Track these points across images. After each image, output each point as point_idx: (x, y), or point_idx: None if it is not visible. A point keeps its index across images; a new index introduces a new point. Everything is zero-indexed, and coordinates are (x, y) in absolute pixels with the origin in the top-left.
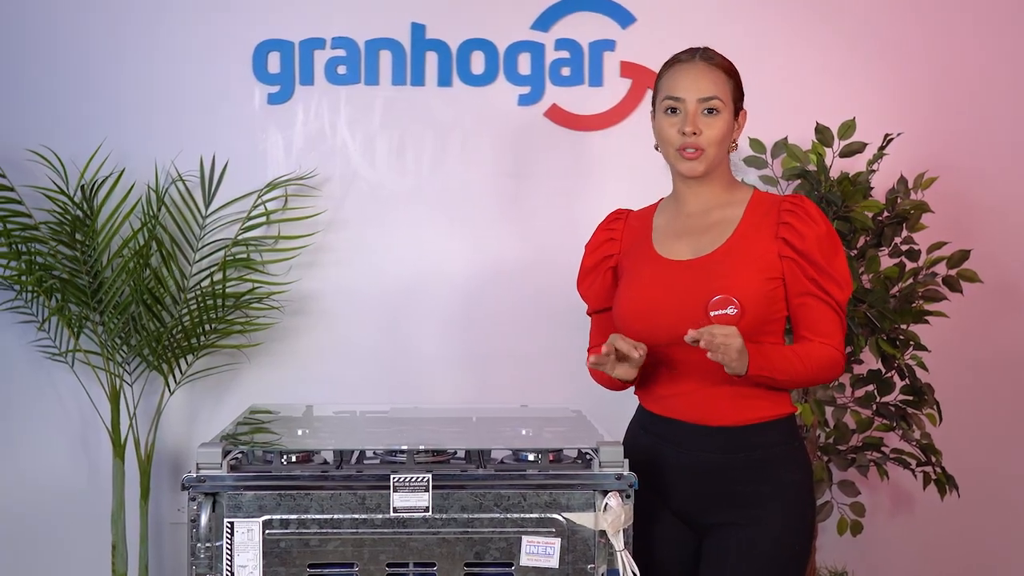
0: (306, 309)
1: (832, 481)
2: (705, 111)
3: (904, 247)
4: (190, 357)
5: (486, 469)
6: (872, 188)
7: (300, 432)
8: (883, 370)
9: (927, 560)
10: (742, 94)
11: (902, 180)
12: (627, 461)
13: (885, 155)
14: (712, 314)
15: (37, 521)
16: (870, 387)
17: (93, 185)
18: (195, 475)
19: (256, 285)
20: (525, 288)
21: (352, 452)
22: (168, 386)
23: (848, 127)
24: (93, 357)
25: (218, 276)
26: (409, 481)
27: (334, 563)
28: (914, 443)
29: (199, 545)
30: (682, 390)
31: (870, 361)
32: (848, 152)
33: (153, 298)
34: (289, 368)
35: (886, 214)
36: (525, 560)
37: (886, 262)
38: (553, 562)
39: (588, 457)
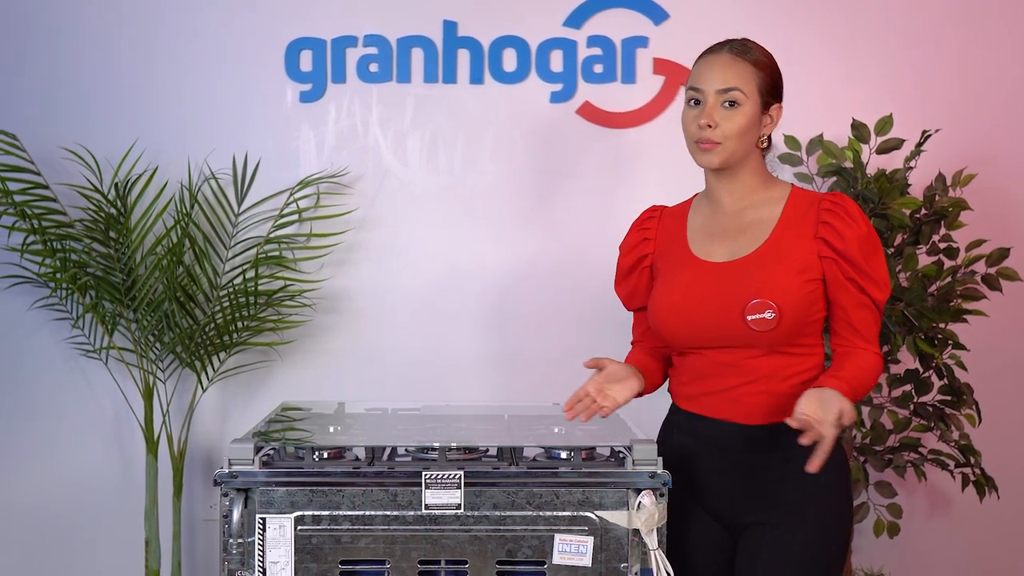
0: (338, 307)
1: (868, 482)
2: (725, 103)
3: (942, 245)
4: (223, 355)
5: (518, 467)
6: (910, 185)
7: (332, 429)
8: (921, 370)
9: (965, 562)
10: (776, 88)
11: (940, 177)
12: (661, 459)
13: (923, 151)
14: (749, 319)
15: (71, 517)
16: (907, 387)
17: (127, 183)
18: (227, 471)
19: (288, 283)
20: (557, 287)
21: (384, 449)
22: (201, 383)
23: (885, 123)
24: (126, 354)
25: (250, 274)
26: (441, 478)
27: (366, 560)
28: (952, 444)
29: (231, 541)
30: (717, 388)
31: (907, 361)
32: (885, 149)
33: (186, 295)
34: (321, 366)
35: (924, 212)
36: (557, 559)
37: (924, 260)
38: (586, 561)
39: (621, 455)
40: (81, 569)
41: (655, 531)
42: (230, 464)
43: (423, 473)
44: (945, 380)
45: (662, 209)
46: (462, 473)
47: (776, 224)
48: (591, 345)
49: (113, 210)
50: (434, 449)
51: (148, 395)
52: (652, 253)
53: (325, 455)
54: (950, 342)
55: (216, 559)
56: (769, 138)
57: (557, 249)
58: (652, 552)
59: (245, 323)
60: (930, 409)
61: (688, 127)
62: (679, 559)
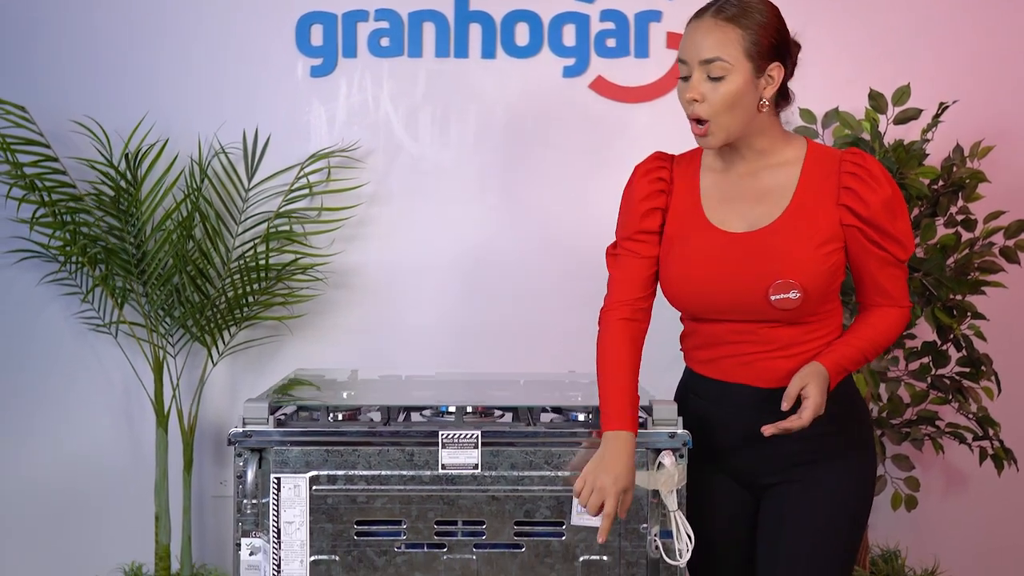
0: (348, 283)
1: (886, 455)
2: (709, 76)
3: (960, 217)
4: (233, 329)
5: (536, 426)
6: (927, 155)
7: (345, 395)
8: (938, 342)
9: (982, 539)
10: (774, 47)
11: (958, 149)
12: (681, 419)
13: (940, 122)
14: (773, 298)
15: (81, 492)
16: (925, 359)
17: (137, 154)
18: (241, 430)
19: (298, 256)
20: (570, 261)
21: (399, 410)
22: (211, 357)
23: (903, 93)
24: (136, 329)
25: (261, 248)
26: (458, 438)
27: (381, 520)
28: (971, 416)
29: (245, 501)
30: (734, 354)
31: (924, 333)
32: (903, 119)
33: (196, 270)
34: (331, 341)
35: (941, 183)
36: (576, 519)
37: (942, 232)
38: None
39: (641, 416)
40: (91, 544)
41: (675, 493)
42: (244, 423)
43: (440, 433)
44: (964, 352)
45: (670, 159)
46: (479, 433)
47: (795, 190)
48: None
49: (123, 182)
50: (451, 413)
51: (158, 369)
52: (665, 208)
53: (340, 416)
54: (968, 313)
55: (228, 537)
56: (786, 91)
57: (569, 223)
58: (672, 514)
59: (256, 297)
60: (947, 382)
61: (682, 105)
62: (699, 521)
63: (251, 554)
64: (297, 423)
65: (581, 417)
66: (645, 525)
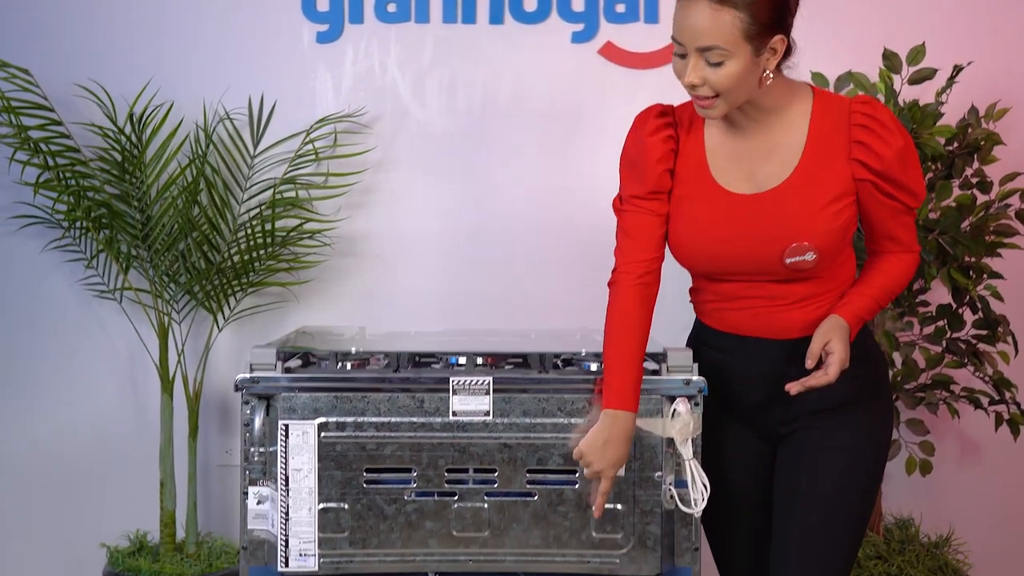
0: (355, 250)
1: (900, 420)
2: (707, 62)
3: (975, 180)
4: (239, 294)
5: (548, 374)
6: (943, 115)
7: (354, 350)
8: (953, 304)
9: (997, 507)
10: (773, 18)
11: (973, 110)
12: (696, 366)
13: (956, 83)
14: (788, 261)
15: (85, 460)
16: (940, 323)
17: (142, 116)
18: (249, 376)
19: (304, 220)
20: (579, 229)
21: (409, 357)
22: (217, 323)
23: (918, 52)
24: (141, 296)
25: (267, 213)
26: (469, 384)
27: (391, 468)
28: (987, 379)
29: (252, 449)
30: (748, 308)
31: (939, 297)
32: (917, 79)
33: (202, 235)
34: (337, 308)
35: (956, 145)
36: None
37: (957, 195)
38: (619, 470)
39: (655, 364)
40: (95, 511)
41: (690, 441)
42: (252, 369)
43: (451, 379)
44: (979, 314)
45: (672, 112)
46: (490, 379)
47: (804, 147)
48: None
49: (127, 143)
50: (461, 365)
51: (163, 335)
52: (673, 168)
53: (348, 366)
54: (985, 274)
55: (234, 504)
56: (789, 48)
57: (578, 191)
58: (687, 462)
59: (262, 262)
60: (963, 346)
61: (679, 78)
62: (714, 472)
63: (258, 503)
64: (305, 370)
65: (594, 367)
66: (659, 473)
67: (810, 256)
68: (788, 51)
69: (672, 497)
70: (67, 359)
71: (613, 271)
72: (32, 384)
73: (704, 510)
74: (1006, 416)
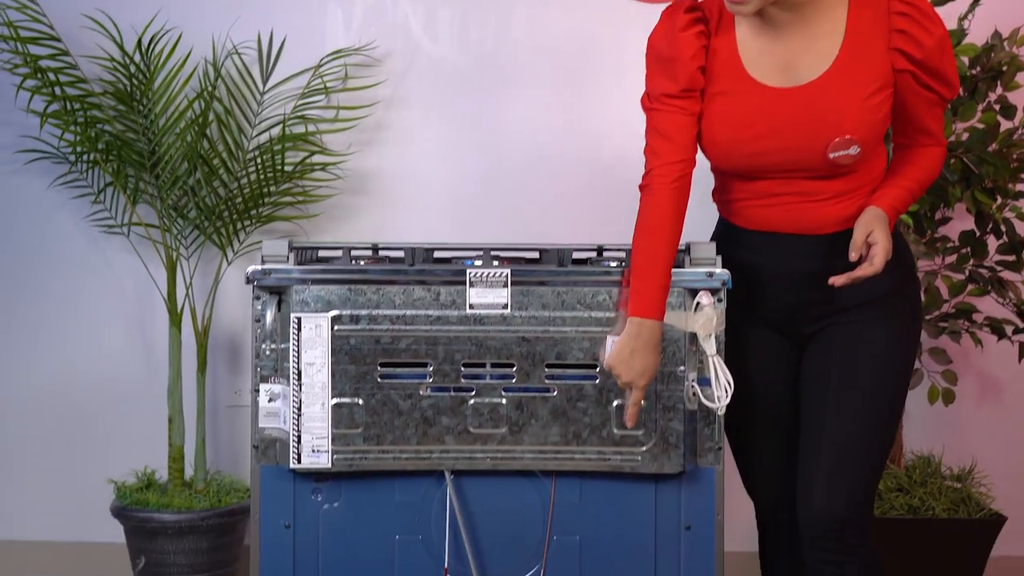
0: (365, 188)
1: (922, 350)
2: None
3: (997, 106)
4: (249, 227)
5: (568, 266)
6: (967, 34)
7: (363, 263)
8: (976, 231)
9: (1019, 443)
10: None
11: (996, 34)
12: (720, 258)
13: (979, 4)
14: (832, 156)
15: (92, 399)
16: (964, 250)
17: (151, 44)
18: (260, 268)
19: (313, 151)
20: (595, 166)
21: (424, 253)
22: (225, 256)
23: None
24: (150, 232)
25: (277, 147)
26: (486, 276)
27: (407, 362)
28: (1011, 306)
29: (263, 345)
30: (781, 204)
31: (960, 225)
32: (940, 1)
33: (210, 169)
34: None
35: (979, 69)
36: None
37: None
38: (649, 379)
39: (677, 258)
40: (103, 450)
41: (713, 337)
42: (263, 261)
43: (467, 271)
44: (1004, 238)
45: (701, 6)
46: (508, 272)
47: (843, 38)
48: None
49: (137, 72)
50: (477, 267)
51: (171, 268)
52: (705, 64)
53: (363, 263)
54: (1009, 200)
55: (242, 445)
56: None
57: (594, 128)
58: (710, 358)
59: (272, 195)
60: (986, 274)
61: None
62: (738, 371)
63: (270, 400)
64: (318, 262)
65: (615, 265)
66: (682, 368)
67: (854, 150)
68: None
69: (695, 395)
70: (74, 298)
71: (646, 174)
72: (39, 323)
73: (726, 415)
74: None
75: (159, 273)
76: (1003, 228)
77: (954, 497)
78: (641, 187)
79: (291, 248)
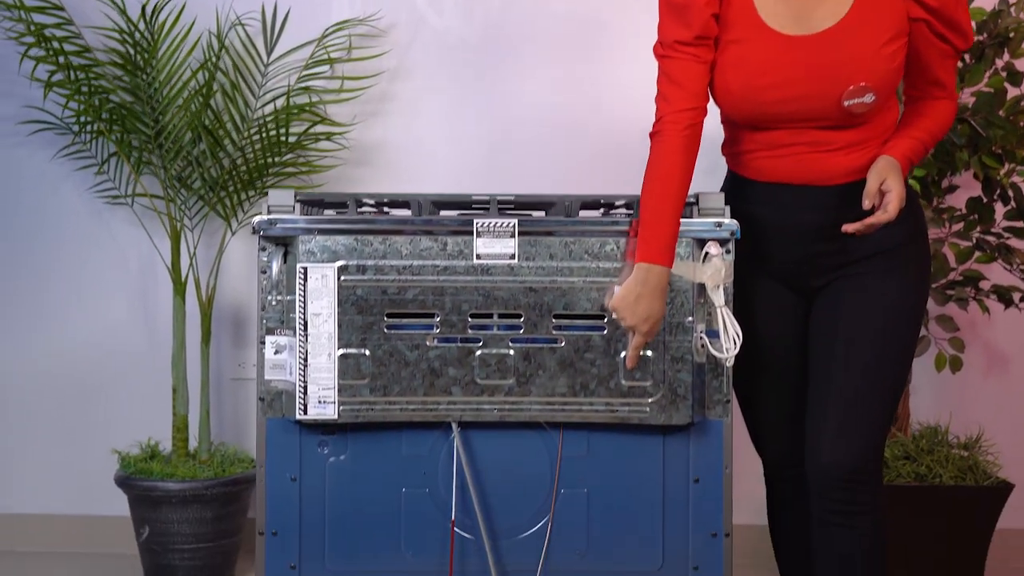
0: (370, 159)
1: (929, 317)
2: None
3: (1004, 73)
4: (253, 197)
5: (575, 216)
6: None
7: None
8: (984, 198)
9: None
10: None
11: (1003, 0)
12: (728, 208)
13: None
14: (847, 104)
15: (96, 370)
16: (972, 217)
17: (155, 13)
18: (266, 218)
19: (317, 120)
20: (604, 137)
21: (430, 205)
22: (230, 227)
23: None
24: (154, 203)
25: (282, 118)
26: (494, 226)
27: (413, 313)
28: (1018, 273)
29: (269, 297)
30: (792, 155)
31: (967, 192)
32: None
33: (213, 139)
34: None
35: (986, 36)
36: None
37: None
38: (653, 325)
39: (688, 207)
40: (107, 421)
41: (721, 288)
42: (269, 211)
43: (475, 221)
44: (1012, 204)
45: None
46: (515, 222)
47: None
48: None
49: (141, 38)
50: (485, 205)
51: (175, 238)
52: (718, 12)
53: (371, 212)
54: (1017, 165)
55: (247, 417)
56: None
57: (601, 96)
58: (719, 309)
59: (275, 163)
60: (993, 241)
61: None
62: (746, 325)
63: (276, 352)
64: (325, 213)
65: (622, 215)
66: (691, 319)
67: (869, 98)
68: None
69: (703, 346)
70: (77, 270)
71: (656, 121)
72: (42, 296)
73: (734, 369)
74: None
75: (163, 244)
76: (1011, 193)
77: (961, 465)
78: (651, 135)
79: (297, 200)
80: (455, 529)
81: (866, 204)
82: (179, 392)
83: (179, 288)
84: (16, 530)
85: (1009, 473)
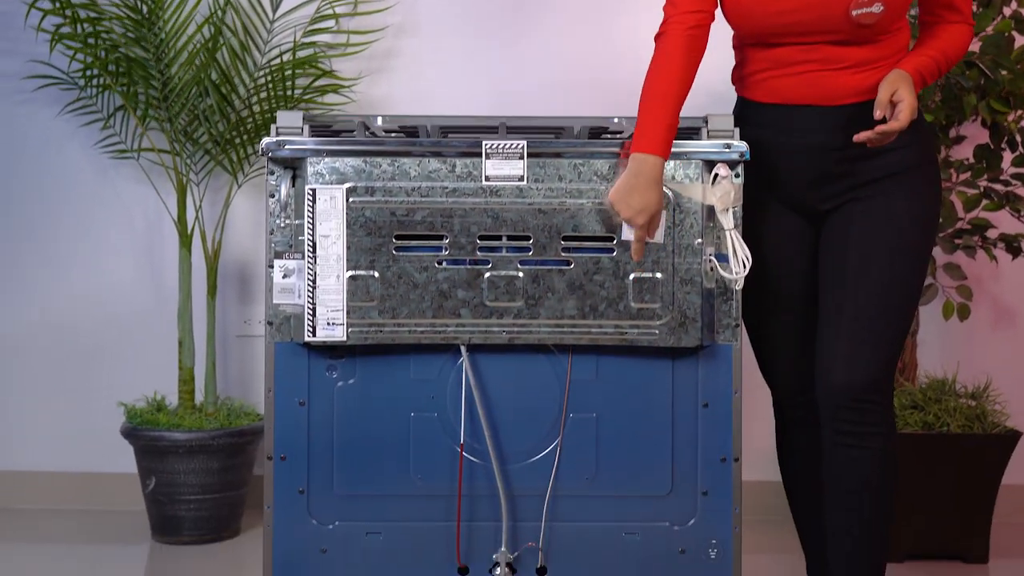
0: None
1: (936, 265)
2: None
3: (1012, 20)
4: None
5: (585, 138)
6: None
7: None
8: (991, 145)
9: None
10: None
11: None
12: (738, 130)
13: None
14: (854, 13)
15: (102, 326)
16: (979, 165)
17: None
18: (274, 140)
19: (322, 73)
20: (608, 98)
21: (439, 129)
22: (236, 181)
23: None
24: (161, 156)
25: (288, 72)
26: (503, 148)
27: (422, 235)
28: None
29: (277, 220)
30: (800, 73)
31: (973, 141)
32: None
33: (220, 95)
34: None
35: None
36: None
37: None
38: (658, 236)
39: (695, 128)
40: (113, 376)
41: (731, 211)
42: (278, 133)
43: (483, 143)
44: (1019, 150)
45: None
46: (524, 143)
47: None
48: None
49: None
50: (493, 137)
51: (181, 191)
52: None
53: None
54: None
55: (253, 374)
56: None
57: (608, 56)
58: (728, 232)
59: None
60: (1001, 189)
61: None
62: (754, 250)
63: (284, 276)
64: (333, 134)
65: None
66: (699, 241)
67: (877, 7)
68: None
69: (712, 269)
70: (83, 227)
71: (662, 23)
72: (49, 253)
73: (743, 297)
74: None
75: (170, 199)
76: (1019, 139)
77: (968, 414)
78: (656, 36)
79: (305, 123)
80: (464, 453)
81: (877, 114)
82: (185, 344)
83: (185, 240)
84: (23, 487)
85: (1017, 423)
